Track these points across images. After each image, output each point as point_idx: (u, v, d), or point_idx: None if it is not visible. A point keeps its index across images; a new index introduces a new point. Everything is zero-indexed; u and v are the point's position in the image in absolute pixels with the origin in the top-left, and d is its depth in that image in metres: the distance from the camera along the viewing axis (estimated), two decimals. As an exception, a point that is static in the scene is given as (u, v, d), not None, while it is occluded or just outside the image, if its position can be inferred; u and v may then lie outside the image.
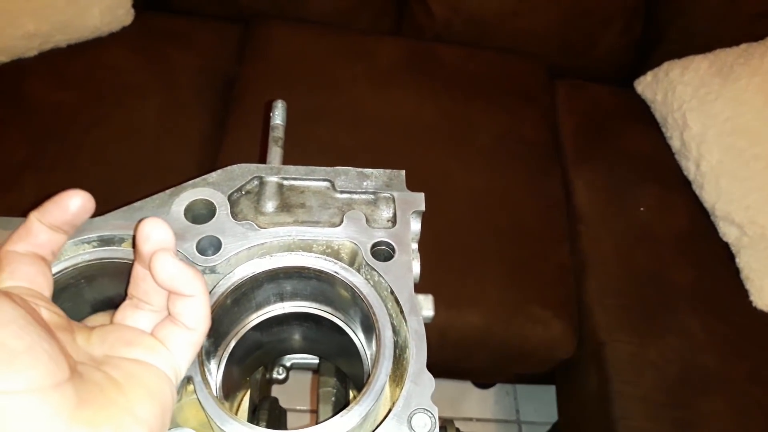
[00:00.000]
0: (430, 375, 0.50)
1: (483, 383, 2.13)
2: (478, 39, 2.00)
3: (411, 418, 0.47)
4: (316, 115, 1.68)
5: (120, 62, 1.74)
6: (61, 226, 0.43)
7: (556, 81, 2.02)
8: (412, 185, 0.61)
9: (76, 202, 0.43)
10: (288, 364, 0.85)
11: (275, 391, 0.82)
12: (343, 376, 0.74)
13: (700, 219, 1.73)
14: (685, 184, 1.78)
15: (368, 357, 0.59)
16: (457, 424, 0.70)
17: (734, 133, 1.68)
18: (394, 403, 0.48)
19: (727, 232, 1.68)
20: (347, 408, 0.47)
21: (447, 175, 1.68)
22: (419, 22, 1.99)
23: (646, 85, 1.95)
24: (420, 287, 0.61)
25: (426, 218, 1.74)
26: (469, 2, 1.95)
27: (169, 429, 0.46)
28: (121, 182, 1.47)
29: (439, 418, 0.76)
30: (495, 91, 1.89)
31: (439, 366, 1.76)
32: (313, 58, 1.85)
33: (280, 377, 0.84)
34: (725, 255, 1.68)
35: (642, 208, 1.72)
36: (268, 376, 0.83)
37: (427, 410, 0.48)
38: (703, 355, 1.51)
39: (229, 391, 0.62)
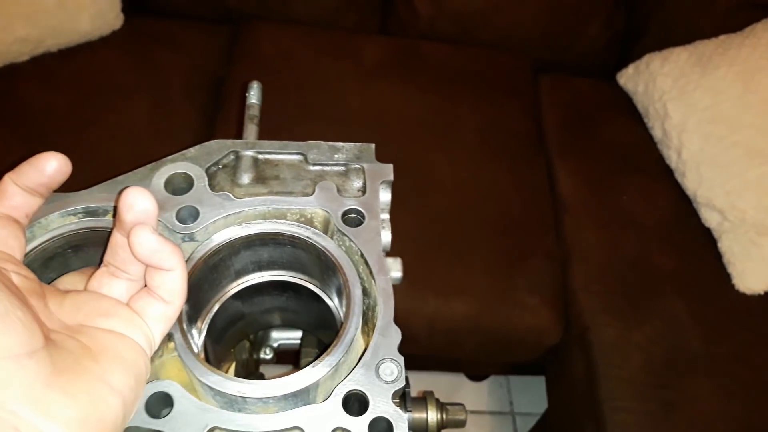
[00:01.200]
0: (396, 328, 0.53)
1: (476, 375, 2.16)
2: (462, 35, 2.04)
3: (378, 366, 0.50)
4: (305, 113, 1.71)
5: (111, 65, 1.78)
6: (37, 188, 0.42)
7: (540, 75, 2.05)
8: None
9: (52, 165, 0.42)
10: (275, 344, 0.88)
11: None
12: (325, 347, 0.77)
13: (683, 206, 1.76)
14: (667, 172, 1.82)
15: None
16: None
17: (714, 122, 1.72)
18: (362, 354, 0.51)
19: (709, 218, 1.71)
20: (318, 359, 0.50)
21: (434, 168, 1.71)
22: (404, 21, 2.03)
23: (627, 78, 1.99)
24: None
25: (414, 210, 1.77)
26: None
27: (149, 382, 0.50)
28: (113, 181, 1.51)
29: (420, 390, 0.79)
30: (480, 86, 1.93)
31: (430, 357, 1.79)
32: (300, 57, 1.88)
33: (268, 357, 0.87)
34: (707, 240, 1.72)
35: (625, 197, 1.76)
36: (255, 356, 0.86)
37: (393, 359, 0.51)
38: (687, 338, 1.55)
39: (213, 360, 0.65)
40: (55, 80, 1.71)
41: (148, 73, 1.79)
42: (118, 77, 1.76)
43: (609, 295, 1.60)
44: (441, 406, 0.74)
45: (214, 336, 0.62)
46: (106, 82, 1.75)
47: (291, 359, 0.89)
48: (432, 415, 0.71)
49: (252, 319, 0.69)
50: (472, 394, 2.19)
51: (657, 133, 1.85)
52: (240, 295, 0.63)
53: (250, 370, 0.81)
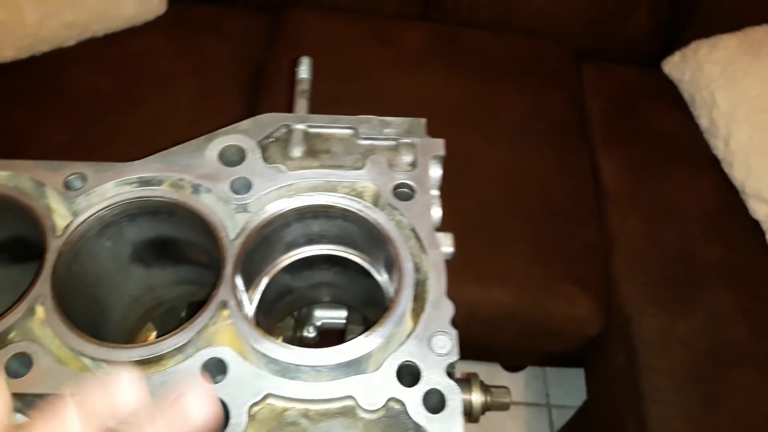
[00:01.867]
0: (448, 302, 0.52)
1: (512, 366, 2.14)
2: (504, 22, 2.01)
3: (431, 339, 0.50)
4: (345, 99, 1.70)
5: (154, 50, 1.80)
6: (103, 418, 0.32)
7: (583, 63, 2.02)
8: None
9: (130, 394, 0.32)
10: (318, 323, 0.89)
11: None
12: (371, 325, 0.77)
13: (730, 197, 1.72)
14: (714, 162, 1.77)
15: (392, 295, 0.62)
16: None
17: (764, 110, 1.67)
18: (415, 327, 0.51)
19: (758, 210, 1.66)
20: (370, 330, 0.50)
21: (474, 155, 1.70)
22: (445, 7, 2.01)
23: (673, 66, 1.94)
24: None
25: (454, 197, 1.75)
26: (494, -14, 1.97)
27: (203, 348, 0.50)
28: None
29: (464, 372, 0.78)
30: (521, 73, 1.91)
31: (468, 345, 1.78)
32: (341, 44, 1.88)
33: (311, 335, 0.87)
34: (755, 232, 1.67)
35: (670, 187, 1.72)
36: (299, 334, 0.86)
37: (446, 332, 0.51)
38: (732, 331, 1.51)
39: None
40: (101, 64, 1.74)
41: (191, 59, 1.81)
42: (162, 62, 1.79)
43: (652, 286, 1.57)
44: (485, 388, 0.73)
45: (263, 309, 0.63)
46: (150, 66, 1.77)
47: (332, 340, 0.89)
48: (477, 397, 0.71)
49: (300, 293, 0.70)
50: (508, 385, 2.16)
51: (704, 122, 1.81)
52: (290, 268, 0.63)
53: (295, 348, 0.81)
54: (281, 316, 0.72)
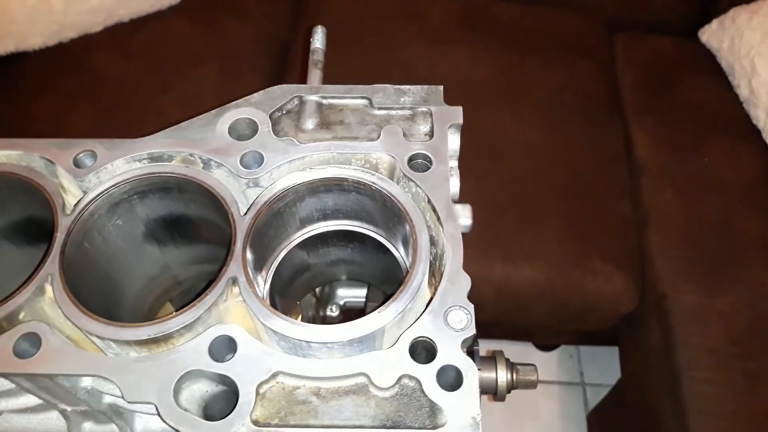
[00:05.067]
0: (466, 275, 0.50)
1: (545, 345, 2.11)
2: (532, -6, 1.96)
3: (447, 314, 0.48)
4: (371, 76, 1.67)
5: (180, 33, 1.79)
6: None
7: (615, 34, 1.96)
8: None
9: None
10: (341, 302, 0.87)
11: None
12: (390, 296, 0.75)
13: (771, 168, 1.66)
14: (754, 133, 1.71)
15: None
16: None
17: (808, 78, 1.61)
18: (430, 301, 0.49)
19: (800, 181, 1.60)
20: (384, 304, 0.48)
21: (503, 131, 1.66)
22: (472, -19, 1.97)
23: (711, 34, 1.87)
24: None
25: (483, 174, 1.72)
26: (522, -43, 1.92)
27: (214, 325, 0.49)
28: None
29: (489, 350, 0.76)
30: (551, 47, 1.86)
31: (498, 323, 1.76)
32: (366, 21, 1.85)
33: (334, 314, 0.86)
34: (799, 204, 1.61)
35: (707, 159, 1.66)
36: (321, 313, 0.85)
37: (463, 307, 0.49)
38: (774, 306, 1.46)
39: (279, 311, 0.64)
40: (128, 49, 1.74)
41: (216, 41, 1.80)
42: (187, 45, 1.78)
43: (688, 261, 1.53)
44: (511, 366, 0.71)
45: (279, 287, 0.61)
46: (175, 50, 1.77)
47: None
48: (502, 375, 0.69)
49: (317, 271, 0.68)
50: (541, 364, 2.10)
51: (743, 91, 1.74)
52: (305, 244, 0.62)
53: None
54: (300, 294, 0.71)
